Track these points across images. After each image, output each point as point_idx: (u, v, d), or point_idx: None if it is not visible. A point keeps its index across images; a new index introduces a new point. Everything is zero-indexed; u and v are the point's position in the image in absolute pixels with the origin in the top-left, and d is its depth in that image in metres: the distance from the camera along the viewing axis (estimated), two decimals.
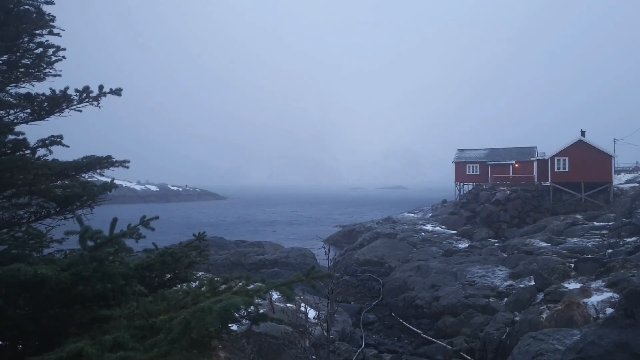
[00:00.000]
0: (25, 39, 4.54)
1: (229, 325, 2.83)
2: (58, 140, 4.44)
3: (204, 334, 2.47)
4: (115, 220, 2.98)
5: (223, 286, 3.14)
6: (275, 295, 14.44)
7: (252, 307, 2.67)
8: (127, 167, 5.02)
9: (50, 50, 4.67)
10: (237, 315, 2.61)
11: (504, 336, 13.02)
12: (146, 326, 2.57)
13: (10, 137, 4.18)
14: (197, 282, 4.13)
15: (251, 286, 3.01)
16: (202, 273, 5.31)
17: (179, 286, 4.60)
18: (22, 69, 4.65)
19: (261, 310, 3.28)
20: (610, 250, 19.57)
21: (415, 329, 16.77)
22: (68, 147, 4.57)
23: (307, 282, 2.57)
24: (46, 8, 4.55)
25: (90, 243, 2.78)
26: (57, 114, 4.75)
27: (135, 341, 2.41)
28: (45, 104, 4.54)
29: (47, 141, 4.36)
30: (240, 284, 3.11)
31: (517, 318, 13.78)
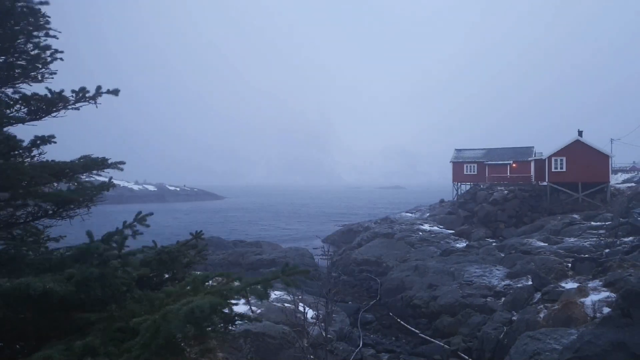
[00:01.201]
0: (22, 40, 4.52)
1: (207, 326, 2.80)
2: (49, 139, 4.43)
3: (172, 338, 2.43)
4: (125, 238, 2.97)
5: (205, 284, 3.12)
6: (273, 295, 14.43)
7: (226, 309, 2.63)
8: (122, 170, 5.02)
9: (47, 52, 4.65)
10: (210, 316, 2.57)
11: (502, 335, 13.04)
12: (127, 329, 2.54)
13: (4, 136, 4.17)
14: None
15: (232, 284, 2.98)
16: (200, 273, 5.29)
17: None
18: (19, 70, 4.64)
19: (243, 310, 3.25)
20: (607, 250, 19.63)
21: (413, 329, 16.78)
22: (56, 143, 4.56)
23: (283, 280, 2.53)
24: (41, 8, 4.53)
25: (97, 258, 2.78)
26: (54, 114, 4.74)
27: (113, 345, 2.38)
28: (42, 104, 4.53)
29: (37, 141, 4.35)
30: (221, 280, 3.09)
31: (514, 317, 13.81)
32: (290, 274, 2.57)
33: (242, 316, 3.05)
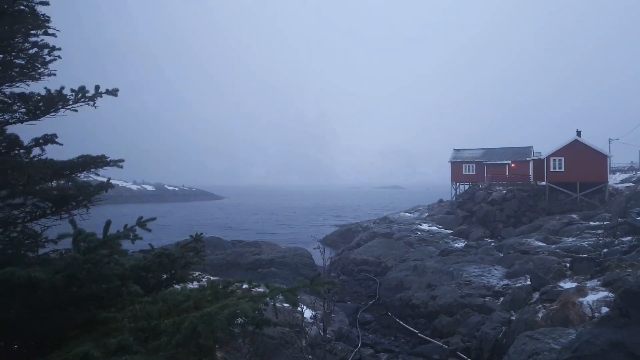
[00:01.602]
0: (20, 39, 4.51)
1: (233, 329, 2.81)
2: (52, 138, 4.42)
3: (210, 339, 2.44)
4: (109, 223, 2.95)
5: (225, 289, 3.12)
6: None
7: (256, 312, 2.66)
8: (121, 167, 4.99)
9: (45, 50, 4.64)
10: (241, 320, 2.59)
11: (500, 335, 13.06)
12: (148, 328, 2.56)
13: (4, 135, 4.16)
14: (196, 284, 4.09)
15: (255, 289, 2.98)
16: (199, 273, 5.29)
17: (177, 286, 4.58)
18: (17, 69, 4.63)
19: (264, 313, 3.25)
20: (605, 250, 19.67)
21: (411, 329, 16.80)
22: (62, 145, 4.55)
23: (311, 289, 2.56)
24: (41, 9, 4.52)
25: (83, 245, 2.76)
26: (53, 114, 4.72)
27: (138, 344, 2.40)
28: (41, 104, 4.52)
29: (40, 140, 4.34)
30: (244, 287, 3.09)
31: (513, 317, 13.83)
32: (319, 284, 2.59)
33: (268, 322, 3.06)
